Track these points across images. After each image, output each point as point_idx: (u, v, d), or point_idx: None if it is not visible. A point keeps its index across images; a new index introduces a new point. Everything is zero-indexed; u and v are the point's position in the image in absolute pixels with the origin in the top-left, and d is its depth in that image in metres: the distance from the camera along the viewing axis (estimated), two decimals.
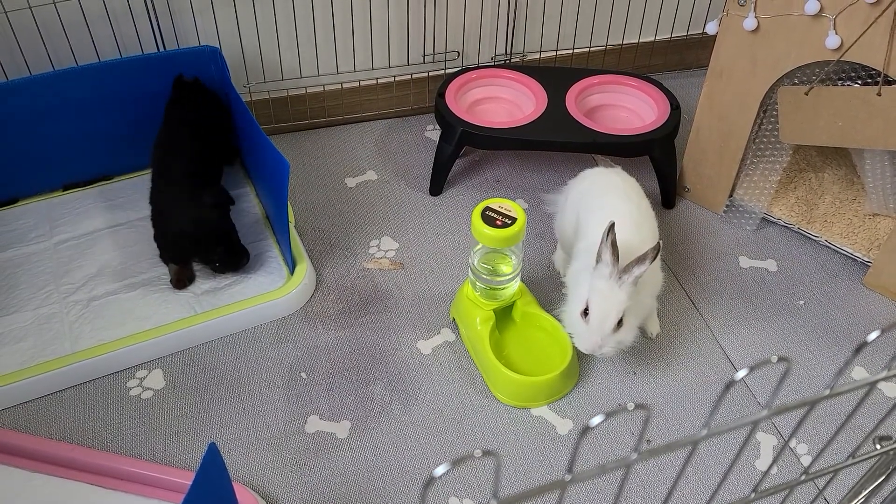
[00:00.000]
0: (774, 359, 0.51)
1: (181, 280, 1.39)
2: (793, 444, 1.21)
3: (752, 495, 0.63)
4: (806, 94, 1.31)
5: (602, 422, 0.48)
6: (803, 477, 0.64)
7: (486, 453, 0.45)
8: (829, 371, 1.30)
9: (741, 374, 0.51)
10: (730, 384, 0.50)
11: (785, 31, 1.30)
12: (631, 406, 0.50)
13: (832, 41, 1.24)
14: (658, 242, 1.14)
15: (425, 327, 1.37)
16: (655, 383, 1.30)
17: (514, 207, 1.22)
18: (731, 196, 1.56)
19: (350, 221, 1.58)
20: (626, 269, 1.14)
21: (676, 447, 0.51)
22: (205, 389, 1.26)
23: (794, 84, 1.35)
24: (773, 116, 1.43)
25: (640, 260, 1.14)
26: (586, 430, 0.46)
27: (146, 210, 1.53)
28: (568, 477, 0.48)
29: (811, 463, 0.65)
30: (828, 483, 1.13)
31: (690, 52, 1.96)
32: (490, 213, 1.21)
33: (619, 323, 1.17)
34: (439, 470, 0.43)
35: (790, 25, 1.29)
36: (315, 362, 1.31)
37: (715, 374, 1.31)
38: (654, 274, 1.25)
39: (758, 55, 1.35)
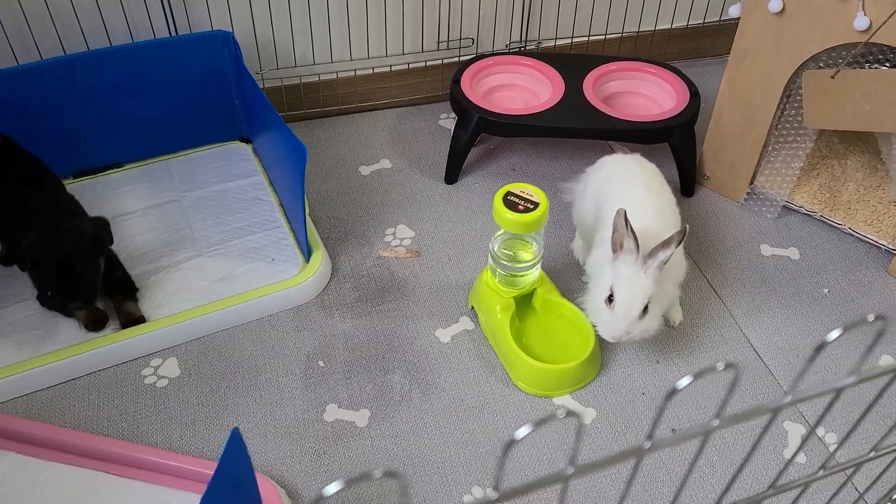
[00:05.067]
0: (721, 366, 0.46)
1: (94, 321, 1.26)
2: (821, 433, 1.19)
3: (770, 491, 0.60)
4: (832, 77, 1.29)
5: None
6: (821, 472, 0.61)
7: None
8: (856, 360, 1.28)
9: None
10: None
11: (811, 12, 1.27)
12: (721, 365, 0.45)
13: (861, 22, 1.21)
14: (685, 227, 1.12)
15: (443, 316, 1.35)
16: (679, 372, 1.27)
17: (536, 192, 1.20)
18: (751, 184, 1.54)
19: (365, 210, 1.55)
20: (651, 254, 1.12)
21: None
22: (221, 378, 1.24)
23: (820, 68, 1.32)
24: (797, 101, 1.40)
25: (665, 244, 1.12)
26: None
27: (157, 199, 1.51)
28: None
29: (829, 457, 0.63)
30: (854, 472, 1.10)
31: (707, 40, 1.93)
32: (512, 198, 1.19)
33: (644, 310, 1.14)
34: (521, 431, 0.39)
35: (817, 7, 1.26)
36: (332, 350, 1.29)
37: (739, 362, 1.28)
38: (677, 261, 1.23)
39: (783, 38, 1.33)
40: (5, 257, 1.37)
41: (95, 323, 1.27)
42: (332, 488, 0.37)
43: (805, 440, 0.62)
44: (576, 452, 0.46)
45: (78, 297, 1.20)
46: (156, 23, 1.50)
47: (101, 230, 1.25)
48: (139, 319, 1.28)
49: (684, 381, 0.43)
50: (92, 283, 1.21)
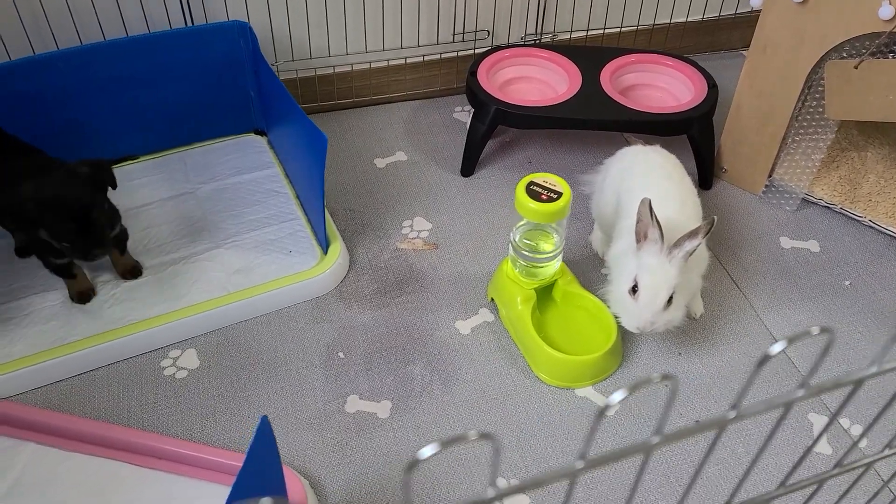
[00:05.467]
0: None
1: (83, 293, 1.26)
2: (846, 424, 1.18)
3: (780, 489, 0.59)
4: (855, 67, 1.28)
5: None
6: (836, 470, 0.60)
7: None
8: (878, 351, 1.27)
9: (777, 346, 0.45)
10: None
11: (835, 2, 1.26)
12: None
13: (886, 11, 1.20)
14: (712, 217, 1.11)
15: (463, 308, 1.34)
16: (701, 363, 1.26)
17: (559, 182, 1.19)
18: (769, 176, 1.53)
19: (381, 202, 1.54)
20: (678, 244, 1.11)
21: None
22: (241, 369, 1.23)
23: (843, 58, 1.31)
24: (819, 92, 1.40)
25: (692, 234, 1.11)
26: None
27: (172, 191, 1.50)
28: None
29: (848, 451, 0.62)
30: (865, 470, 1.10)
31: (722, 34, 1.92)
32: (535, 188, 1.18)
33: (669, 301, 1.13)
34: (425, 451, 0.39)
35: None
36: (352, 342, 1.28)
37: (760, 353, 1.28)
38: (700, 251, 1.22)
39: (805, 28, 1.32)
40: (20, 249, 1.36)
41: (85, 296, 1.27)
42: (427, 451, 0.38)
43: (823, 431, 0.60)
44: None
45: (100, 244, 1.15)
46: (172, 13, 1.50)
47: (99, 171, 1.18)
48: (137, 267, 1.33)
49: (777, 347, 0.42)
50: (106, 228, 1.17)
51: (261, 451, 0.81)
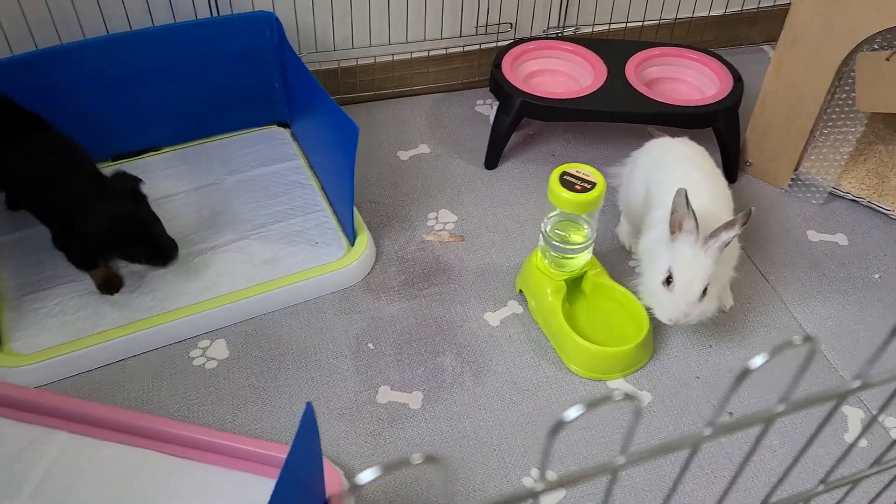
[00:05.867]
0: (798, 340, 0.44)
1: (112, 285, 1.27)
2: (881, 418, 1.17)
3: (821, 487, 0.58)
4: (887, 59, 1.27)
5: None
6: (875, 469, 0.60)
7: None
8: None
9: (758, 360, 0.45)
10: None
11: None
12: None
13: None
14: (750, 208, 1.11)
15: (492, 299, 1.34)
16: (732, 356, 1.26)
17: (592, 172, 1.18)
18: (795, 169, 1.53)
19: (405, 194, 1.54)
20: (714, 235, 1.11)
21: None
22: (270, 360, 1.22)
23: (874, 50, 1.31)
24: (849, 85, 1.39)
25: (728, 225, 1.10)
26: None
27: (197, 182, 1.50)
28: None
29: (888, 448, 0.61)
30: None
31: (743, 29, 1.92)
32: (568, 178, 1.17)
33: (703, 292, 1.13)
34: None
35: None
36: (381, 333, 1.27)
37: (791, 347, 1.27)
38: (733, 244, 1.22)
39: (836, 20, 1.31)
40: (11, 203, 1.37)
41: (113, 286, 1.27)
42: (367, 475, 0.35)
43: (864, 430, 0.60)
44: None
45: (170, 248, 1.23)
46: (199, 3, 1.49)
47: (135, 182, 1.25)
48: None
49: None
50: (163, 230, 1.25)
51: (306, 438, 0.81)
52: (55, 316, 1.24)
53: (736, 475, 0.54)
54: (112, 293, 1.28)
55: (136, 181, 1.25)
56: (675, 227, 1.13)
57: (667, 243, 1.15)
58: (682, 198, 1.11)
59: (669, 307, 1.14)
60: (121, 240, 1.20)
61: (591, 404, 0.38)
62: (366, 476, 0.35)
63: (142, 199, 1.25)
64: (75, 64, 1.37)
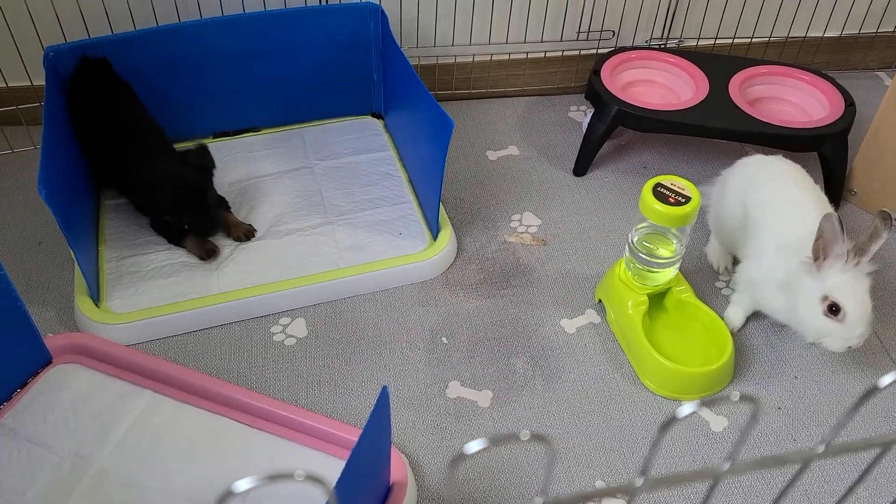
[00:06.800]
0: (735, 396, 0.44)
1: (210, 250, 1.34)
2: None
3: None
4: None
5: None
6: None
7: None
8: None
9: (888, 379, 0.43)
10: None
11: None
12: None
13: None
14: (885, 210, 1.06)
15: (569, 306, 1.32)
16: (818, 389, 1.20)
17: (687, 186, 1.15)
18: None
19: (491, 194, 1.54)
20: (860, 250, 1.07)
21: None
22: (346, 343, 1.25)
23: None
24: None
25: (873, 235, 1.06)
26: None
27: (290, 164, 1.54)
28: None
29: None
30: None
31: (857, 52, 1.83)
32: (662, 190, 1.15)
33: None
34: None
35: None
36: (456, 329, 1.28)
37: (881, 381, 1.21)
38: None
39: None
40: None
41: (211, 252, 1.34)
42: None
43: None
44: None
45: (214, 227, 1.34)
46: None
47: (204, 157, 1.35)
48: (251, 229, 1.39)
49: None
50: (216, 209, 1.35)
51: (379, 420, 0.82)
52: (150, 280, 1.30)
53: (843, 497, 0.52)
54: (206, 258, 1.34)
55: (210, 160, 1.35)
56: (818, 254, 1.09)
57: (808, 273, 1.10)
58: (833, 223, 1.05)
59: (844, 336, 1.09)
60: (168, 199, 1.29)
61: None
62: (473, 446, 0.36)
63: (207, 173, 1.34)
64: (191, 41, 1.43)
